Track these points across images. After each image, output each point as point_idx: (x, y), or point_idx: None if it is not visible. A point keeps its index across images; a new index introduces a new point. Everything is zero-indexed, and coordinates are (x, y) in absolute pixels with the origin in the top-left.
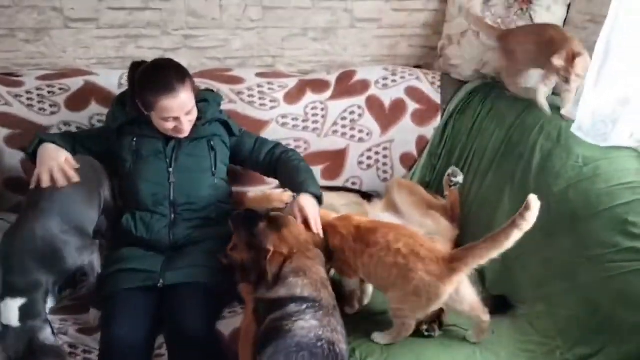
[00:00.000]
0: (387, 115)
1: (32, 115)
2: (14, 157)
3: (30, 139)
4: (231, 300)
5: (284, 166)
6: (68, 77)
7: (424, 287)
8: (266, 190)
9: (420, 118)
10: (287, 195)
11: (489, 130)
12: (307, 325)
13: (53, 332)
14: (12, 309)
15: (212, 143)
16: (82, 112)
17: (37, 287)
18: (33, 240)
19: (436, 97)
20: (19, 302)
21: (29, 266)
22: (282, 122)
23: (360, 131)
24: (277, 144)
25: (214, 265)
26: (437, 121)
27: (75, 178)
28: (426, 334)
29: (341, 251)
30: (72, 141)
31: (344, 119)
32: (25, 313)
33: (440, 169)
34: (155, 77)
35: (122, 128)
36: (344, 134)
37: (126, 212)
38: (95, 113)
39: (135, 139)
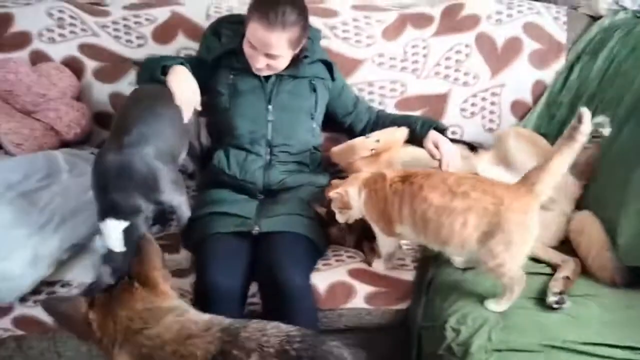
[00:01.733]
0: (500, 56)
1: (120, 47)
2: (103, 92)
3: (119, 73)
4: (324, 251)
5: (388, 118)
6: (154, 7)
7: (510, 226)
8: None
9: (540, 60)
10: (370, 141)
11: (630, 75)
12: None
13: None
14: (116, 232)
15: (314, 83)
16: (169, 44)
17: (138, 212)
18: (132, 165)
19: (561, 36)
20: (122, 224)
21: (129, 190)
22: (379, 62)
23: (466, 73)
24: (370, 106)
25: (310, 214)
26: (561, 63)
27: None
28: (555, 306)
29: (383, 201)
30: None
31: (448, 59)
32: (129, 238)
33: (560, 119)
34: (270, 1)
35: (219, 60)
36: (446, 77)
37: (219, 150)
38: (182, 47)
39: (232, 73)
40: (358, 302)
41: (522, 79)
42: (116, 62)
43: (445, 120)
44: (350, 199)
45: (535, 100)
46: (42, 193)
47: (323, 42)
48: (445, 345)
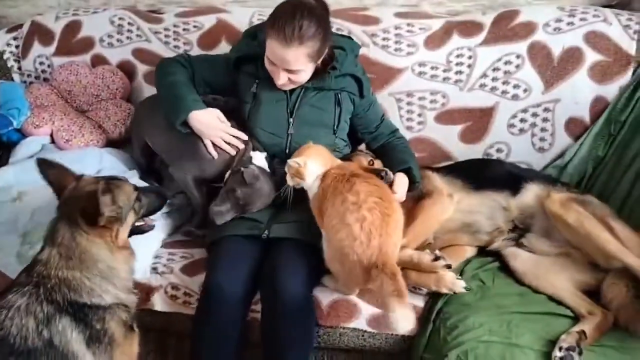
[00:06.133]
0: (555, 68)
1: (168, 52)
2: (152, 94)
3: None
4: None
5: (394, 149)
6: (202, 15)
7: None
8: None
9: (602, 73)
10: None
11: None
12: None
13: None
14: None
15: (339, 97)
16: (212, 50)
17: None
18: None
19: (629, 46)
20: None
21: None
22: (419, 71)
23: (516, 86)
24: (397, 130)
25: None
26: (627, 78)
27: (244, 136)
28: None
29: (323, 199)
30: (191, 72)
31: (496, 69)
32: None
33: (622, 141)
34: (286, 16)
35: (245, 66)
36: (494, 89)
37: None
38: (225, 51)
39: (257, 82)
40: (361, 323)
41: (580, 94)
42: None
43: (489, 137)
44: (308, 172)
45: (595, 118)
46: None
47: (360, 50)
48: None
